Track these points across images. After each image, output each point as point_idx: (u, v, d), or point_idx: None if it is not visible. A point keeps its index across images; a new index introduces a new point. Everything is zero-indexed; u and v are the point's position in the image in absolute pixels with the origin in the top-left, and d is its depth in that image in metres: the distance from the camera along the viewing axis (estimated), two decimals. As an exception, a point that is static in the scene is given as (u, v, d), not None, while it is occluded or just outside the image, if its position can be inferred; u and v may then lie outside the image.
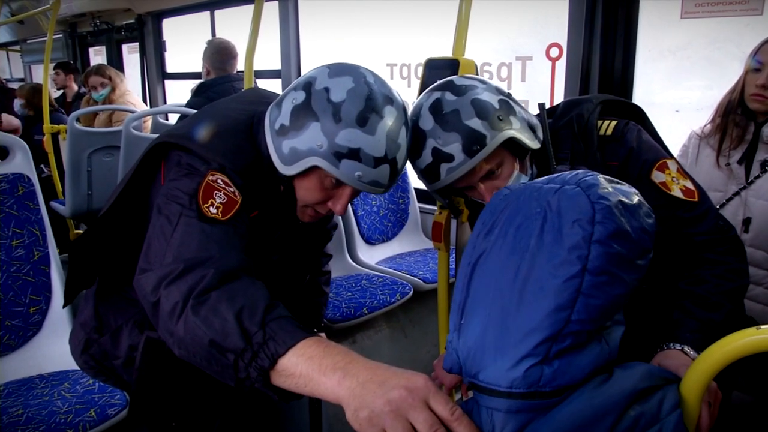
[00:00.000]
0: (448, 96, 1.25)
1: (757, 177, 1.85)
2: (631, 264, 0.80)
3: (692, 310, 1.20)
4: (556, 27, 2.80)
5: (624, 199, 0.81)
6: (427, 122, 1.25)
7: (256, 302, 0.97)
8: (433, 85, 1.32)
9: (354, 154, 1.12)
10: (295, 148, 1.16)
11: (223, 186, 1.16)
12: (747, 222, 1.88)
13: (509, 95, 1.32)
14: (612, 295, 0.78)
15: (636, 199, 0.84)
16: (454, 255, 1.97)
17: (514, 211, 0.86)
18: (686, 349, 1.14)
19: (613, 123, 1.36)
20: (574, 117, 1.36)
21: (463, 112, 1.23)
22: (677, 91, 2.57)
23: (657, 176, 1.30)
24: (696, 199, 1.29)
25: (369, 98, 1.13)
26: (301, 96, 1.16)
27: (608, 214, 0.78)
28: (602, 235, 0.77)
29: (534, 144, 1.30)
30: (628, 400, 0.77)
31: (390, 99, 1.17)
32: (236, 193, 1.17)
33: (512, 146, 1.28)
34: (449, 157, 1.23)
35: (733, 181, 1.91)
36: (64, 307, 1.70)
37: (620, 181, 0.86)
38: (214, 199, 1.14)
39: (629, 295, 0.82)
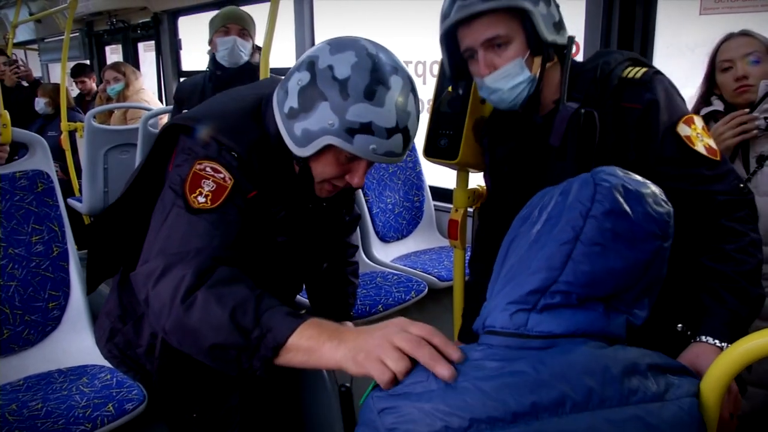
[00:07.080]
0: None
1: (755, 172, 1.84)
2: (630, 242, 0.87)
3: (724, 298, 1.18)
4: (573, 22, 2.77)
5: (628, 185, 0.89)
6: None
7: (246, 298, 1.02)
8: None
9: (366, 128, 1.13)
10: (307, 130, 1.16)
11: (212, 173, 1.18)
12: None
13: None
14: (604, 265, 0.85)
15: (647, 189, 0.91)
16: (470, 253, 1.97)
17: (548, 202, 0.95)
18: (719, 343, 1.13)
19: (644, 69, 1.34)
20: (600, 63, 1.37)
21: None
22: (695, 90, 2.54)
23: (683, 129, 1.28)
24: (718, 159, 1.28)
25: (374, 70, 1.14)
26: (306, 77, 1.16)
27: (607, 194, 0.87)
28: (598, 211, 0.86)
29: (550, 35, 1.30)
30: (628, 369, 0.79)
31: (395, 68, 1.18)
32: (226, 179, 1.18)
33: (528, 31, 1.28)
34: None
35: None
36: (87, 294, 1.71)
37: (638, 176, 0.93)
38: (202, 187, 1.16)
39: (631, 274, 0.87)
